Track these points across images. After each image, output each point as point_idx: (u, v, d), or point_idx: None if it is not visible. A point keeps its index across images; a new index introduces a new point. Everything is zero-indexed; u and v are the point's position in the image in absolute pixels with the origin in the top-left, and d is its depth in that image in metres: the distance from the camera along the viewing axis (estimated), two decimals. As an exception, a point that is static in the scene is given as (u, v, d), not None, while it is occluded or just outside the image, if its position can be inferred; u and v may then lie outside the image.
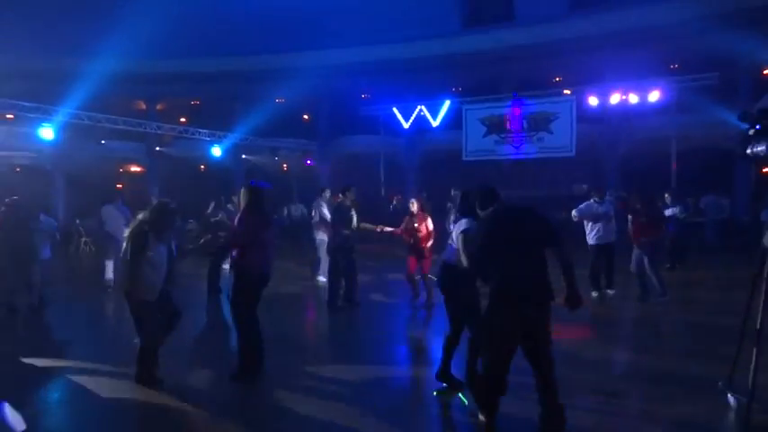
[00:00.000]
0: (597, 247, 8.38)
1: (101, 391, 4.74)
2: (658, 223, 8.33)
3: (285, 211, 16.92)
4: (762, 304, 3.63)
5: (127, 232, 4.93)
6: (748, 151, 3.69)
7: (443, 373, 4.61)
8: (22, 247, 7.63)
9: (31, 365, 5.48)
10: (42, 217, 8.37)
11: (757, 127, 3.63)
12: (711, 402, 4.13)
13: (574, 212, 8.52)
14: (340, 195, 8.33)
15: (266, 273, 5.07)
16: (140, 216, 4.80)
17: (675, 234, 10.99)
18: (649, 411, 4.28)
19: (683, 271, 10.78)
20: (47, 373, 5.33)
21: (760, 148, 3.58)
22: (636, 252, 8.10)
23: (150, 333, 4.76)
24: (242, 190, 5.17)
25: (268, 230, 5.07)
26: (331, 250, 8.17)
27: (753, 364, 3.58)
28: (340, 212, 8.02)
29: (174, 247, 5.12)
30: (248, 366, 4.96)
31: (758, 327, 3.62)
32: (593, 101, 16.76)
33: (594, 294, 8.33)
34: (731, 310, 4.87)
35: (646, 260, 7.96)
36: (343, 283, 8.01)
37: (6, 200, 7.72)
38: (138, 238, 4.65)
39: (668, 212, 10.29)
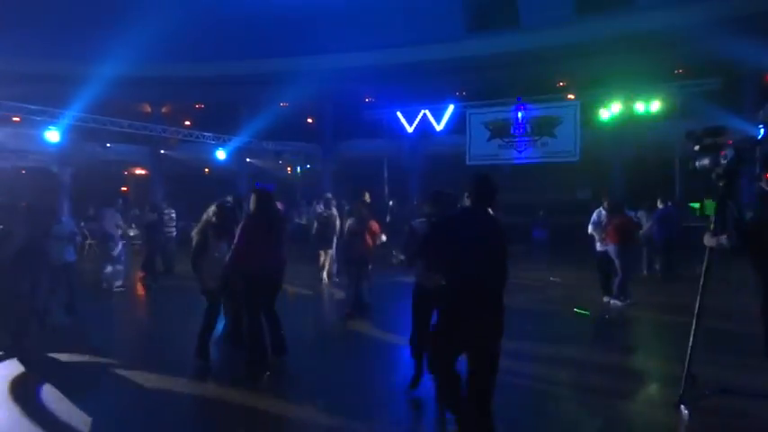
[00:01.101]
0: (603, 253, 8.44)
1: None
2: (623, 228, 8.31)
3: (301, 213, 16.98)
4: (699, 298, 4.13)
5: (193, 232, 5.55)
6: (697, 164, 4.28)
7: (417, 381, 4.55)
8: (41, 252, 7.42)
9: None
10: (64, 219, 8.34)
11: (697, 147, 4.29)
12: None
13: (590, 229, 8.63)
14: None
15: (270, 275, 5.13)
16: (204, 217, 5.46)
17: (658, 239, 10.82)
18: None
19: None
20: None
21: (704, 162, 4.20)
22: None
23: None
24: (252, 194, 5.32)
25: (271, 233, 5.14)
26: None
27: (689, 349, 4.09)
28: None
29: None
30: (257, 363, 5.08)
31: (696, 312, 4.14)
32: (596, 105, 16.78)
33: (606, 300, 8.34)
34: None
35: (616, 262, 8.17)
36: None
37: (23, 203, 7.55)
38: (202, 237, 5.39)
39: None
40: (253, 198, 5.20)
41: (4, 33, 20.11)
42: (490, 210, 3.46)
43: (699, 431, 4.03)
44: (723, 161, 4.08)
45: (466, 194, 3.48)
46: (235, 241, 5.07)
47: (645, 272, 11.20)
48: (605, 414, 4.32)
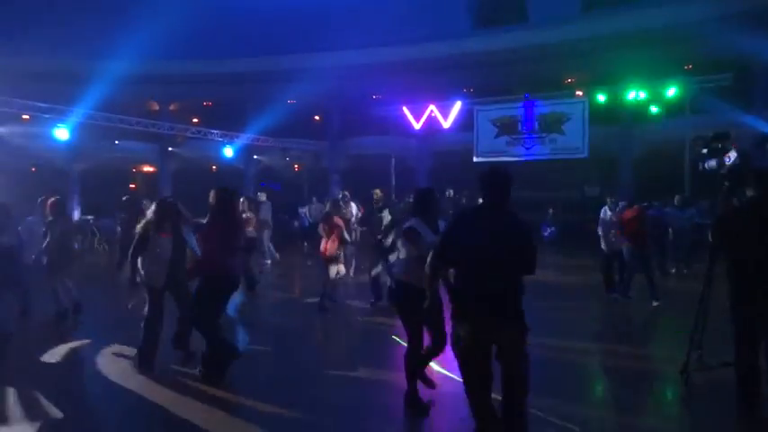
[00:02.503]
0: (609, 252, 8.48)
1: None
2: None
3: (306, 211, 16.99)
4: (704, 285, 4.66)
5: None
6: (706, 166, 4.80)
7: (414, 399, 4.14)
8: (69, 247, 7.53)
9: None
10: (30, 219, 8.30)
11: (705, 150, 4.81)
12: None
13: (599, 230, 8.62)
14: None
15: (234, 277, 5.04)
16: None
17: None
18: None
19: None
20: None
21: (712, 164, 4.73)
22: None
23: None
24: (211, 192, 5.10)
25: (235, 235, 5.05)
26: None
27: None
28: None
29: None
30: (212, 366, 4.90)
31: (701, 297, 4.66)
32: (605, 101, 16.66)
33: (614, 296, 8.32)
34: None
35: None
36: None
37: (51, 199, 7.50)
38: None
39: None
40: (212, 196, 4.99)
41: (14, 32, 20.26)
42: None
43: (703, 398, 4.59)
44: (728, 163, 4.57)
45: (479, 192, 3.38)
46: (199, 242, 5.04)
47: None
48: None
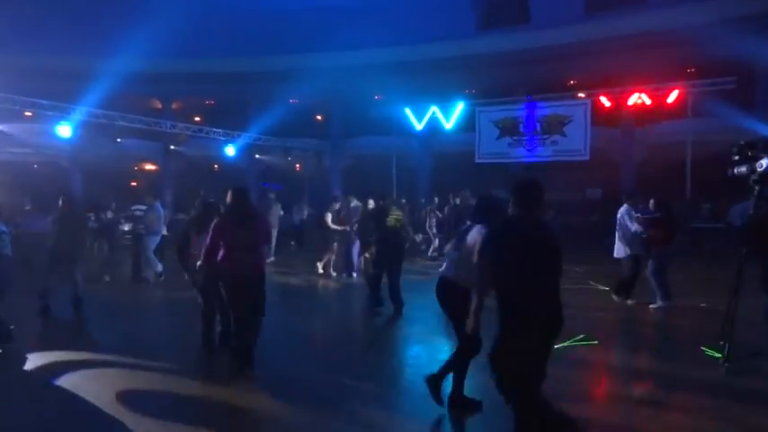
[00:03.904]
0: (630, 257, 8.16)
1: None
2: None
3: (304, 212, 17.00)
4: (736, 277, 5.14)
5: None
6: (735, 171, 5.23)
7: (459, 397, 4.17)
8: (79, 243, 7.71)
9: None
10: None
11: (736, 157, 5.22)
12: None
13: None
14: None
15: (239, 274, 4.99)
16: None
17: None
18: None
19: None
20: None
21: (742, 169, 5.14)
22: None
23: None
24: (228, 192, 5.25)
25: (239, 232, 5.00)
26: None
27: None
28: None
29: None
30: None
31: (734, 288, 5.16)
32: (607, 103, 16.67)
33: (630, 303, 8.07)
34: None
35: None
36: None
37: (62, 196, 7.76)
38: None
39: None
40: (229, 195, 5.12)
41: (17, 29, 20.30)
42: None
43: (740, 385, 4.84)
44: (759, 169, 4.95)
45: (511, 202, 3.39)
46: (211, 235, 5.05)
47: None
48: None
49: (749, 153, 5.05)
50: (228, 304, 5.16)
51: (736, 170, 5.19)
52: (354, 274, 10.62)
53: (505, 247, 3.26)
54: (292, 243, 16.08)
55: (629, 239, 8.00)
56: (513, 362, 3.22)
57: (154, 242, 10.10)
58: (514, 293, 3.19)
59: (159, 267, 10.08)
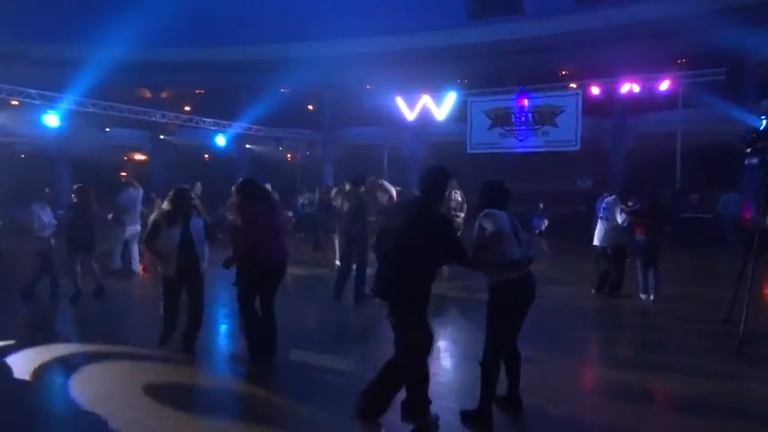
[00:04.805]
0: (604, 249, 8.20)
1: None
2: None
3: (305, 200, 17.01)
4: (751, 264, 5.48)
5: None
6: (746, 162, 5.51)
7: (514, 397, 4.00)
8: (91, 234, 7.84)
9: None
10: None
11: (748, 149, 5.44)
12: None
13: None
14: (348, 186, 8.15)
15: (267, 261, 5.01)
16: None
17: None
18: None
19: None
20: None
21: (753, 161, 5.43)
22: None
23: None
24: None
25: (265, 217, 5.07)
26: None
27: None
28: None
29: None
30: (256, 351, 5.08)
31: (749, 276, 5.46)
32: (598, 94, 16.72)
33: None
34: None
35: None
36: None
37: (75, 186, 7.94)
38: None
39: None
40: (236, 187, 5.16)
41: (4, 15, 19.97)
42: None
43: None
44: None
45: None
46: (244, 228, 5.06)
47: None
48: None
49: (759, 145, 5.32)
50: (246, 294, 5.07)
51: (747, 162, 5.47)
52: (354, 265, 10.36)
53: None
54: (298, 234, 16.08)
55: (612, 230, 8.01)
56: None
57: (125, 233, 9.51)
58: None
59: (119, 263, 9.67)
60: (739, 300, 5.63)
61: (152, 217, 5.40)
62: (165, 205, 5.37)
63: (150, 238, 5.20)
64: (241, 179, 5.33)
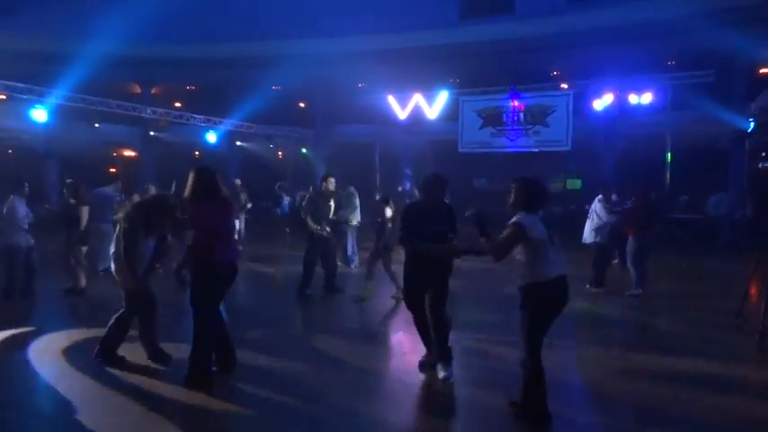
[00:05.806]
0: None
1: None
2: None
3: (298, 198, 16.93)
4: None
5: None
6: (760, 166, 5.52)
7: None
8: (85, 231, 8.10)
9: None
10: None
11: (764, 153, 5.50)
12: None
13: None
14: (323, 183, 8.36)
15: (232, 262, 4.59)
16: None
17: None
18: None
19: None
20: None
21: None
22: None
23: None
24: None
25: (224, 217, 4.61)
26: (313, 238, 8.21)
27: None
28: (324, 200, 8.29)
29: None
30: (203, 370, 4.46)
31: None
32: (589, 96, 16.82)
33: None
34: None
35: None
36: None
37: (68, 181, 8.31)
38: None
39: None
40: (192, 177, 4.54)
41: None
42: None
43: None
44: None
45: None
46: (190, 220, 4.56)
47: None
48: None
49: None
50: (206, 300, 4.46)
51: (760, 165, 6.08)
52: (353, 265, 10.55)
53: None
54: (287, 230, 16.03)
55: (598, 228, 8.36)
56: None
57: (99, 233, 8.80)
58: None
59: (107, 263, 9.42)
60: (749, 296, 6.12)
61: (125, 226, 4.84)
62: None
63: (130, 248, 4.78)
64: (195, 168, 4.61)
